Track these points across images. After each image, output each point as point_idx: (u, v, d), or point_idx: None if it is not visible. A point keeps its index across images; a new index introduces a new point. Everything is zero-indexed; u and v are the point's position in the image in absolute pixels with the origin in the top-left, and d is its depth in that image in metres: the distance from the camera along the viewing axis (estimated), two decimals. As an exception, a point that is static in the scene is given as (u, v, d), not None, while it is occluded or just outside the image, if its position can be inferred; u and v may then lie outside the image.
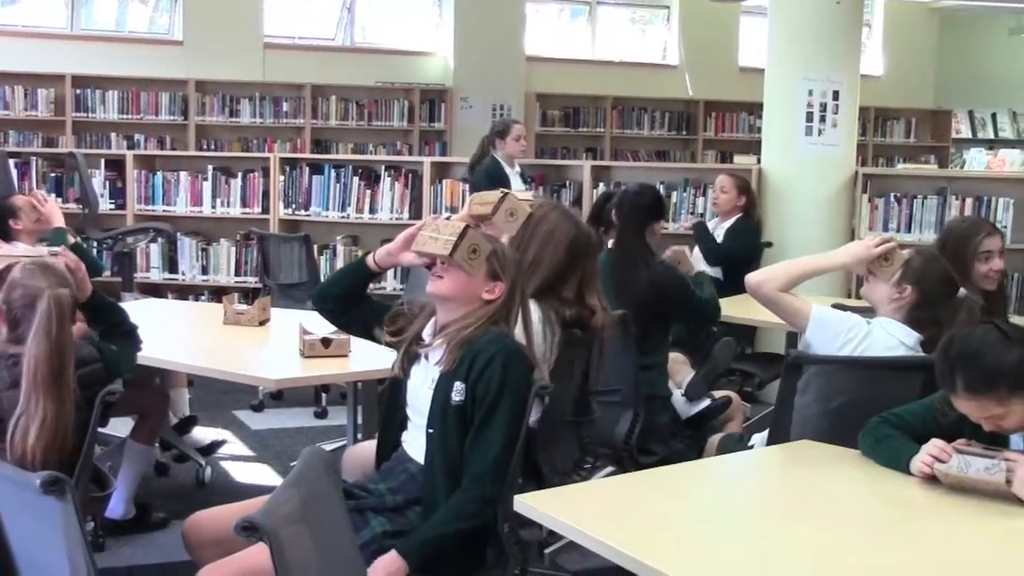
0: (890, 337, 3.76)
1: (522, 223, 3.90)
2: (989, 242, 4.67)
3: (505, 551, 3.22)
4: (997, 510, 2.81)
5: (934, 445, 2.97)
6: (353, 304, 3.61)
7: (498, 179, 7.44)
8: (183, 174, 8.38)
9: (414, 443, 3.36)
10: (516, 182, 7.62)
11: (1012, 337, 2.93)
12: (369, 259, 3.58)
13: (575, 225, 3.93)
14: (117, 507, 4.80)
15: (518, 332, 3.36)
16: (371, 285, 3.67)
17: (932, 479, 2.96)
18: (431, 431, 3.25)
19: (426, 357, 3.34)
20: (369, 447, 3.65)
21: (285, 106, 12.43)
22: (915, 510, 2.92)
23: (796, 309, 3.91)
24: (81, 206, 8.08)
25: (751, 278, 4.00)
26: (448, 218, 3.61)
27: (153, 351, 4.67)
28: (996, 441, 2.99)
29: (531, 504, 2.83)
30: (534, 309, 3.67)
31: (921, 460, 2.99)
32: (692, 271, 5.03)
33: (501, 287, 3.30)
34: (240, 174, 8.37)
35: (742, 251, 6.89)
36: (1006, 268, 4.83)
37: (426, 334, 3.38)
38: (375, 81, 12.81)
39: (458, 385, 3.20)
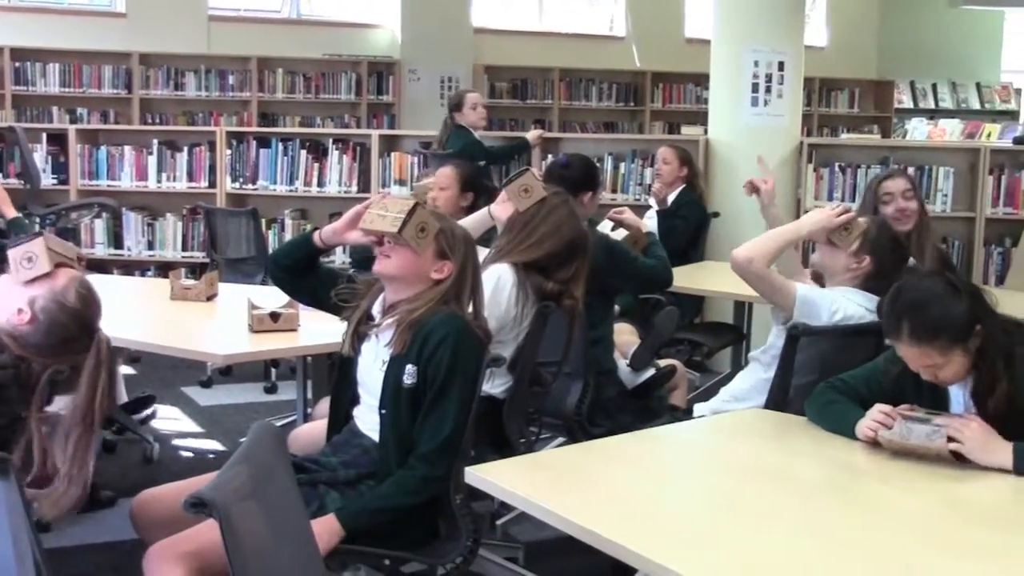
0: (858, 307, 3.81)
1: (535, 203, 4.03)
2: (888, 184, 5.00)
3: (458, 523, 3.23)
4: (938, 474, 2.86)
5: (878, 410, 3.03)
6: (301, 275, 3.62)
7: (474, 147, 7.52)
8: (127, 148, 8.28)
9: (366, 419, 3.37)
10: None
11: (959, 289, 3.00)
12: (315, 236, 3.55)
13: (578, 224, 4.11)
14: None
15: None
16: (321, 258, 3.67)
17: (877, 443, 3.01)
18: (383, 412, 3.26)
19: (376, 336, 3.34)
20: (320, 425, 3.65)
21: (231, 79, 12.34)
22: (859, 474, 2.96)
23: (783, 288, 3.88)
24: (23, 181, 7.99)
25: (739, 254, 3.86)
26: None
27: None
28: (937, 404, 3.06)
29: (482, 476, 2.83)
30: (510, 275, 3.84)
31: (866, 425, 3.04)
32: (641, 229, 4.95)
33: (450, 266, 3.30)
34: (186, 148, 8.29)
35: (686, 224, 6.93)
36: (924, 224, 4.98)
37: (375, 311, 3.38)
38: (322, 54, 12.74)
39: (410, 368, 3.20)
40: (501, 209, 4.12)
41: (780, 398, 3.79)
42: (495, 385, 3.94)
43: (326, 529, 3.04)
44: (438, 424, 3.17)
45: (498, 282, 3.91)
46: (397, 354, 3.22)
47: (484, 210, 4.35)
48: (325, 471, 3.29)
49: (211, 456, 5.74)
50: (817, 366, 3.76)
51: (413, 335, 3.21)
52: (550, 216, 4.03)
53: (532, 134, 8.20)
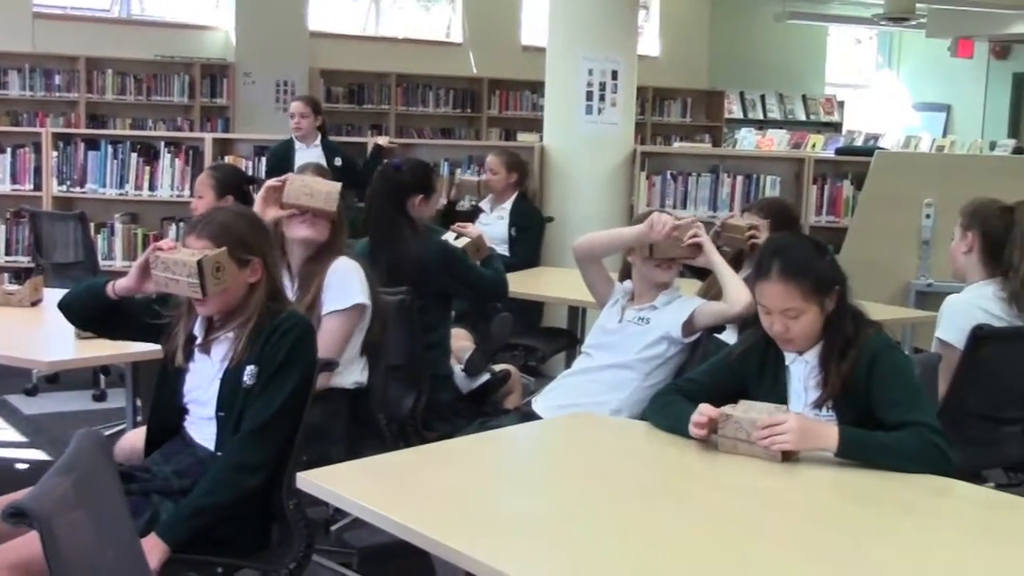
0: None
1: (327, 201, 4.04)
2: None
3: (291, 529, 3.21)
4: (760, 469, 2.94)
5: (699, 412, 3.11)
6: (102, 321, 3.46)
7: (281, 156, 7.49)
8: (-53, 149, 8.02)
9: (199, 430, 3.32)
10: (306, 158, 7.60)
11: (825, 252, 3.26)
12: (108, 289, 3.37)
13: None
14: None
15: None
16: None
17: (709, 443, 3.08)
18: (221, 414, 3.22)
19: (207, 353, 3.30)
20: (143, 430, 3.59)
21: (57, 79, 11.99)
22: (689, 475, 3.03)
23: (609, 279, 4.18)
24: None
25: (579, 244, 4.20)
26: None
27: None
28: (779, 384, 3.22)
29: (315, 481, 2.82)
30: (357, 266, 4.01)
31: (694, 423, 3.12)
32: (484, 241, 5.02)
33: (257, 264, 3.27)
34: (9, 149, 8.04)
35: (530, 233, 6.99)
36: None
37: (197, 330, 3.33)
38: (154, 55, 12.48)
39: (250, 368, 3.18)
40: (316, 231, 4.03)
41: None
42: (360, 372, 4.06)
43: (151, 547, 2.97)
44: (262, 408, 3.14)
45: (359, 271, 4.02)
46: (237, 362, 3.19)
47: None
48: (158, 480, 3.22)
49: (35, 466, 5.58)
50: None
51: (253, 341, 3.19)
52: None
53: (383, 139, 8.17)
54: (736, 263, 4.55)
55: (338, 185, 4.06)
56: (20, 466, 5.64)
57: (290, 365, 3.18)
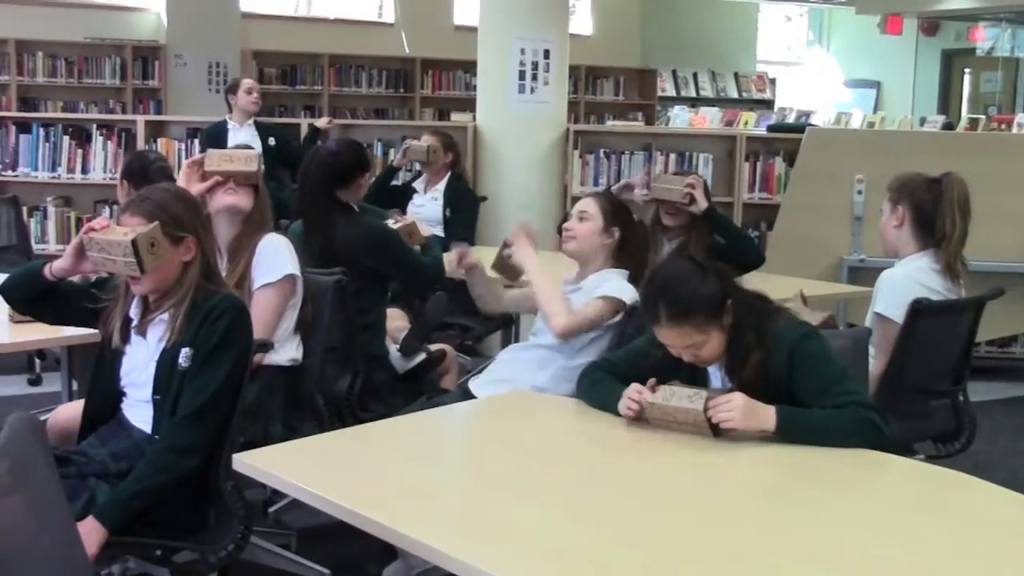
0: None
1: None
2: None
3: (229, 510, 3.23)
4: (697, 447, 2.99)
5: (634, 389, 3.15)
6: (39, 302, 3.45)
7: (215, 136, 7.44)
8: None
9: (135, 412, 3.33)
10: (240, 138, 7.57)
11: (706, 269, 3.16)
12: (45, 270, 3.35)
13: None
14: None
15: None
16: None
17: (638, 420, 3.13)
18: (157, 397, 3.23)
19: (143, 335, 3.31)
20: (76, 409, 3.59)
21: (-13, 62, 11.86)
22: (619, 450, 3.07)
23: (597, 313, 4.01)
24: None
25: (562, 330, 3.98)
26: None
27: None
28: (697, 384, 3.19)
29: (250, 463, 2.84)
30: (284, 239, 4.08)
31: (624, 404, 3.16)
32: (424, 240, 5.04)
33: (191, 242, 3.28)
34: (-61, 133, 7.96)
35: (468, 212, 7.01)
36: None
37: (133, 312, 3.34)
38: (84, 37, 12.35)
39: (185, 351, 3.19)
40: (241, 199, 4.08)
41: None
42: (295, 349, 4.11)
43: (89, 531, 2.98)
44: (198, 391, 3.16)
45: (288, 246, 4.07)
46: (173, 343, 3.20)
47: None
48: (95, 463, 3.23)
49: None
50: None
51: (188, 321, 3.21)
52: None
53: (321, 121, 8.17)
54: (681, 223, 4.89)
55: (255, 150, 4.16)
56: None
57: (225, 347, 3.19)
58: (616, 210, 4.16)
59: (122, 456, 3.24)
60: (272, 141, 7.79)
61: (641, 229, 4.33)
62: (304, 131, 8.10)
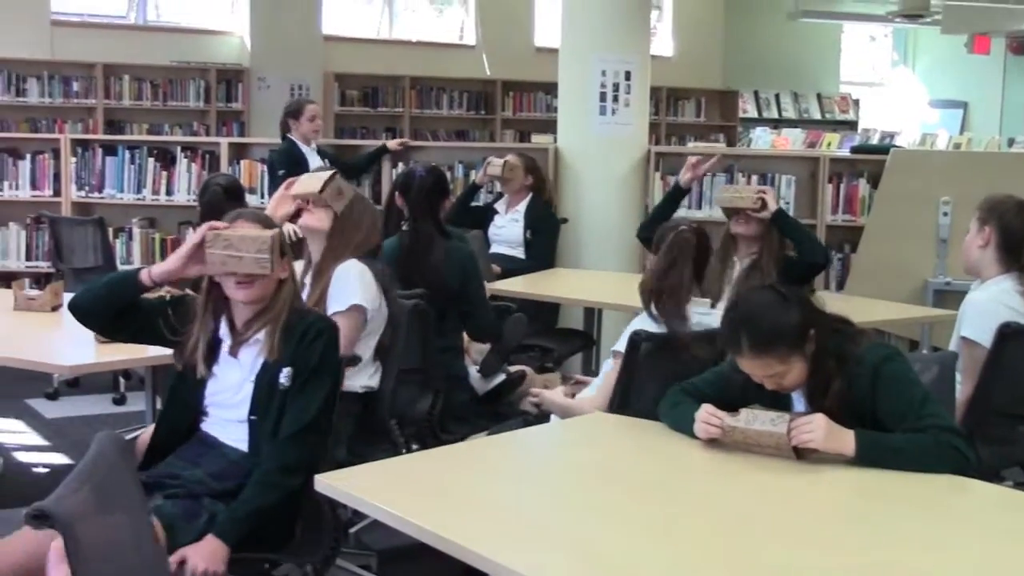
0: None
1: (350, 202, 4.15)
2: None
3: (319, 524, 3.26)
4: (772, 468, 2.96)
5: (704, 410, 3.14)
6: (122, 320, 3.38)
7: (295, 159, 7.43)
8: (-32, 156, 8.08)
9: (224, 432, 3.35)
10: (315, 161, 7.60)
11: (789, 298, 3.13)
12: (143, 275, 3.31)
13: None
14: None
15: None
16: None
17: (716, 442, 3.11)
18: (254, 418, 3.27)
19: (235, 357, 3.33)
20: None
21: (75, 85, 12.04)
22: (698, 472, 3.06)
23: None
24: None
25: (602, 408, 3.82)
26: None
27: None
28: (780, 408, 3.14)
29: (333, 483, 2.85)
30: (365, 267, 4.06)
31: (697, 426, 3.15)
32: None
33: (288, 261, 3.34)
34: (29, 155, 8.09)
35: (548, 236, 6.99)
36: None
37: (223, 334, 3.36)
38: (170, 60, 12.53)
39: (286, 370, 3.24)
40: (315, 219, 4.13)
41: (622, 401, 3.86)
42: (369, 376, 4.13)
43: (214, 549, 3.04)
44: (303, 409, 3.22)
45: (363, 274, 4.05)
46: (273, 359, 3.24)
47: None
48: (193, 483, 3.23)
49: (56, 469, 5.62)
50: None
51: (285, 340, 3.25)
52: (367, 209, 4.24)
53: (393, 143, 8.19)
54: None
55: (326, 172, 4.23)
56: (41, 470, 5.68)
57: (324, 366, 3.26)
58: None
59: (223, 476, 3.27)
60: (326, 161, 7.83)
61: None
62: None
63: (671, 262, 3.92)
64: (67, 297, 5.07)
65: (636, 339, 3.79)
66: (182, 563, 2.99)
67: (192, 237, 3.24)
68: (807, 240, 5.11)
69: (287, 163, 7.16)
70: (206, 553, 3.02)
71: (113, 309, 3.36)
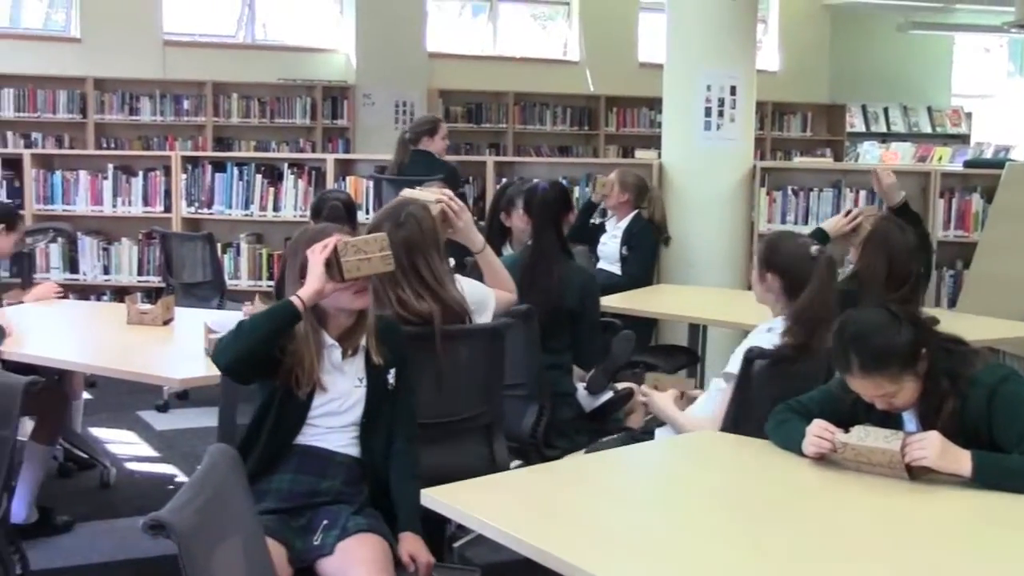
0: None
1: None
2: None
3: None
4: (882, 488, 2.91)
5: (816, 425, 3.10)
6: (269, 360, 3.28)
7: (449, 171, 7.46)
8: (82, 173, 8.25)
9: (333, 439, 3.37)
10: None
11: (900, 318, 3.07)
12: (296, 301, 3.18)
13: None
14: (19, 511, 4.70)
15: None
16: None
17: (824, 460, 3.07)
18: (365, 421, 3.37)
19: (342, 363, 3.36)
20: None
21: (186, 104, 12.30)
22: (807, 490, 3.02)
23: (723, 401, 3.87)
24: (-23, 208, 7.93)
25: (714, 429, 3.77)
26: None
27: (54, 351, 4.64)
28: (891, 427, 3.09)
29: (438, 498, 2.85)
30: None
31: (810, 442, 3.10)
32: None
33: None
34: (141, 173, 8.26)
35: (642, 253, 6.93)
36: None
37: (330, 348, 3.36)
38: (277, 78, 12.73)
39: (392, 371, 3.39)
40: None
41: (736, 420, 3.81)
42: None
43: (415, 542, 3.25)
44: (411, 409, 3.47)
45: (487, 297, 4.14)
46: (381, 362, 3.36)
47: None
48: (328, 494, 3.31)
49: (167, 479, 5.72)
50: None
51: (381, 344, 3.38)
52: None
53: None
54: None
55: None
56: (151, 480, 5.78)
57: (408, 362, 3.45)
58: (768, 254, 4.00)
59: (353, 482, 3.37)
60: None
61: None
62: (490, 170, 8.13)
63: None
64: (178, 312, 5.18)
65: (750, 356, 3.74)
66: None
67: (319, 252, 3.20)
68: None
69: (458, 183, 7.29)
70: (421, 547, 3.24)
71: (274, 345, 3.24)
